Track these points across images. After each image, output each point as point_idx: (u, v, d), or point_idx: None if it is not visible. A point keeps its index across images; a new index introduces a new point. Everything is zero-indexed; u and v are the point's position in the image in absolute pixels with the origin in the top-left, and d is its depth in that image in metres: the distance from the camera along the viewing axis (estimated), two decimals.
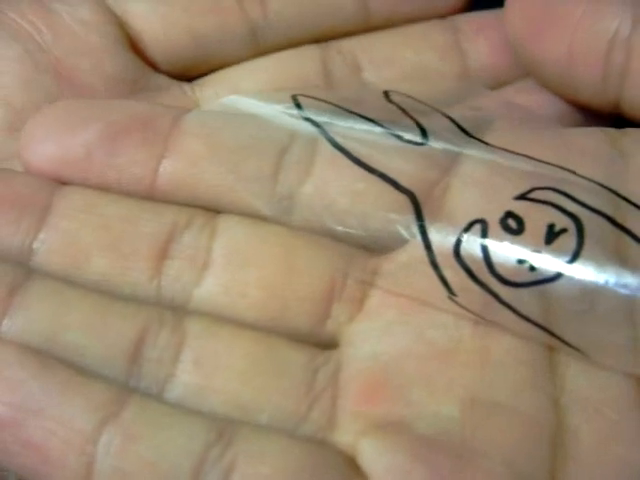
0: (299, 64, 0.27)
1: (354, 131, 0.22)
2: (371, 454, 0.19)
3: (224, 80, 0.27)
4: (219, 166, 0.22)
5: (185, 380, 0.20)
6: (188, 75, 0.27)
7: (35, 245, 0.21)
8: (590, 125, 0.25)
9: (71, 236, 0.21)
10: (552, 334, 0.19)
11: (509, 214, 0.20)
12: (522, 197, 0.20)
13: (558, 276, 0.19)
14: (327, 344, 0.21)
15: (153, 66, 0.26)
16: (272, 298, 0.21)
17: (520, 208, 0.20)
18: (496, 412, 0.19)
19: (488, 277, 0.20)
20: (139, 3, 0.26)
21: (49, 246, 0.21)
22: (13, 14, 0.25)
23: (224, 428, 0.19)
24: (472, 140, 0.22)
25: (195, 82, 0.27)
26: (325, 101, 0.23)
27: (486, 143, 0.22)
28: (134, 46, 0.26)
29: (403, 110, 0.23)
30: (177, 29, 0.26)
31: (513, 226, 0.20)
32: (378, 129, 0.22)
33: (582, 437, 0.19)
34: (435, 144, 0.22)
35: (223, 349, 0.20)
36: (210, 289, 0.21)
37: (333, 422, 0.19)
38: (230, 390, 0.20)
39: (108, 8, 0.26)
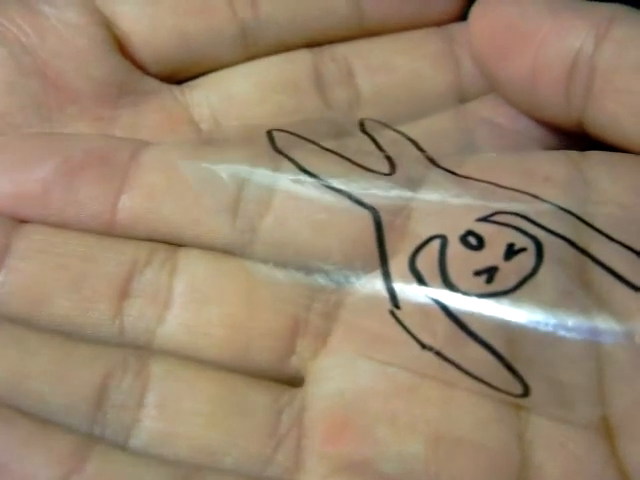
0: (291, 68, 0.26)
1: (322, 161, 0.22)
2: None
3: (214, 83, 0.26)
4: (178, 200, 0.22)
5: (150, 425, 0.20)
6: (177, 77, 0.27)
7: None
8: (560, 137, 0.25)
9: (31, 277, 0.21)
10: (509, 366, 0.19)
11: (470, 232, 0.20)
12: (484, 219, 0.20)
13: (515, 289, 0.19)
14: (292, 380, 0.21)
15: (142, 68, 0.26)
16: (235, 336, 0.21)
17: (481, 228, 0.20)
18: (461, 449, 0.19)
19: (442, 288, 0.20)
20: (127, 4, 0.26)
21: (9, 288, 0.21)
22: None
23: (188, 475, 0.19)
24: (439, 170, 0.22)
25: (185, 85, 0.26)
26: (299, 136, 0.23)
27: (453, 172, 0.22)
28: (122, 48, 0.26)
29: (375, 142, 0.22)
30: (166, 30, 0.26)
31: (473, 242, 0.20)
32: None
33: (547, 473, 0.19)
34: (401, 175, 0.22)
35: (187, 392, 0.20)
36: (172, 328, 0.21)
37: (299, 464, 0.20)
38: (195, 434, 0.20)
39: (96, 9, 0.25)
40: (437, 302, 0.20)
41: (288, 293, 0.21)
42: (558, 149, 0.24)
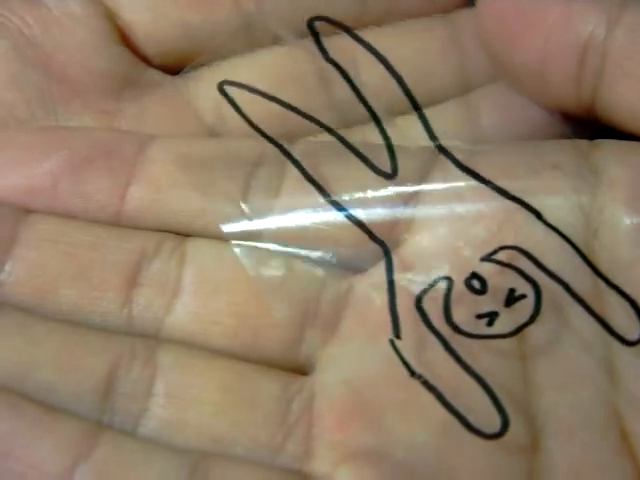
0: (294, 59, 0.27)
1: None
2: None
3: (217, 74, 0.26)
4: (186, 191, 0.22)
5: (158, 414, 0.20)
6: (180, 68, 0.27)
7: (1, 277, 0.22)
8: (568, 126, 0.25)
9: (39, 266, 0.22)
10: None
11: (474, 275, 0.21)
12: (488, 258, 0.21)
13: (514, 334, 0.21)
14: (301, 368, 0.22)
15: (145, 60, 0.26)
16: (244, 325, 0.21)
17: (485, 270, 0.21)
18: (472, 437, 0.20)
19: (443, 326, 0.21)
20: None
21: (16, 277, 0.22)
22: (1, 8, 0.25)
23: (198, 463, 0.19)
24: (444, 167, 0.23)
25: (188, 76, 0.27)
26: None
27: (457, 161, 0.22)
28: (125, 40, 0.26)
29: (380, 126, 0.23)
30: (169, 22, 0.26)
31: (477, 286, 0.21)
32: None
33: (559, 463, 0.20)
34: (404, 175, 0.22)
35: (196, 381, 0.21)
36: (181, 317, 0.22)
37: (309, 452, 0.20)
38: (204, 423, 0.20)
39: (98, 1, 0.26)
40: (439, 337, 0.21)
41: (298, 281, 0.22)
42: (566, 138, 0.25)
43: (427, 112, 0.25)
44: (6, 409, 0.19)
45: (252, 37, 0.27)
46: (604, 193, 0.21)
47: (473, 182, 0.22)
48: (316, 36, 0.23)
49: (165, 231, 0.22)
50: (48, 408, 0.20)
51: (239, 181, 0.22)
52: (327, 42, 0.27)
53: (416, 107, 0.24)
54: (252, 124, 0.23)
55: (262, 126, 0.24)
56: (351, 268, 0.22)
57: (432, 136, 0.23)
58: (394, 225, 0.22)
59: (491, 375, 0.20)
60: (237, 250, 0.22)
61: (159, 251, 0.22)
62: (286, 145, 0.23)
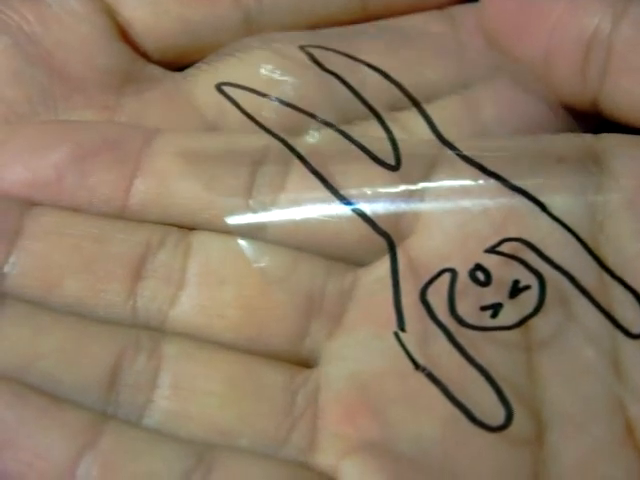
0: None
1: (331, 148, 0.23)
2: (352, 475, 0.20)
3: (217, 70, 0.27)
4: (191, 184, 0.23)
5: (163, 406, 0.20)
6: (180, 64, 0.27)
7: (6, 269, 0.22)
8: (570, 121, 0.25)
9: (43, 258, 0.22)
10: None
11: (478, 266, 0.21)
12: (492, 250, 0.22)
13: (518, 325, 0.21)
14: (307, 361, 0.22)
15: (145, 56, 0.27)
16: (249, 317, 0.22)
17: (489, 262, 0.21)
18: (477, 430, 0.20)
19: (448, 318, 0.21)
20: None
21: (21, 269, 0.22)
22: (1, 6, 0.25)
23: (203, 453, 0.20)
24: (446, 151, 0.23)
25: (187, 72, 0.27)
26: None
27: (461, 154, 0.22)
28: (125, 36, 0.26)
29: (383, 123, 0.23)
30: (168, 17, 0.26)
31: (481, 278, 0.21)
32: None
33: (564, 455, 0.20)
34: (407, 169, 0.22)
35: (201, 372, 0.21)
36: (186, 309, 0.22)
37: (314, 444, 0.20)
38: (209, 415, 0.20)
39: None
40: (443, 329, 0.21)
41: (302, 273, 0.22)
42: (571, 132, 0.25)
43: (428, 107, 0.26)
44: (11, 399, 0.19)
45: (252, 32, 0.27)
46: (609, 186, 0.22)
47: (478, 175, 0.22)
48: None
49: (170, 224, 0.23)
50: (53, 398, 0.20)
51: (244, 175, 0.23)
52: (327, 38, 0.27)
53: (419, 107, 0.24)
54: (255, 121, 0.24)
55: (265, 120, 0.24)
56: (356, 261, 0.22)
57: (435, 131, 0.23)
58: (399, 218, 0.22)
59: (495, 367, 0.20)
60: (242, 243, 0.22)
61: (164, 244, 0.22)
62: (290, 139, 0.23)
